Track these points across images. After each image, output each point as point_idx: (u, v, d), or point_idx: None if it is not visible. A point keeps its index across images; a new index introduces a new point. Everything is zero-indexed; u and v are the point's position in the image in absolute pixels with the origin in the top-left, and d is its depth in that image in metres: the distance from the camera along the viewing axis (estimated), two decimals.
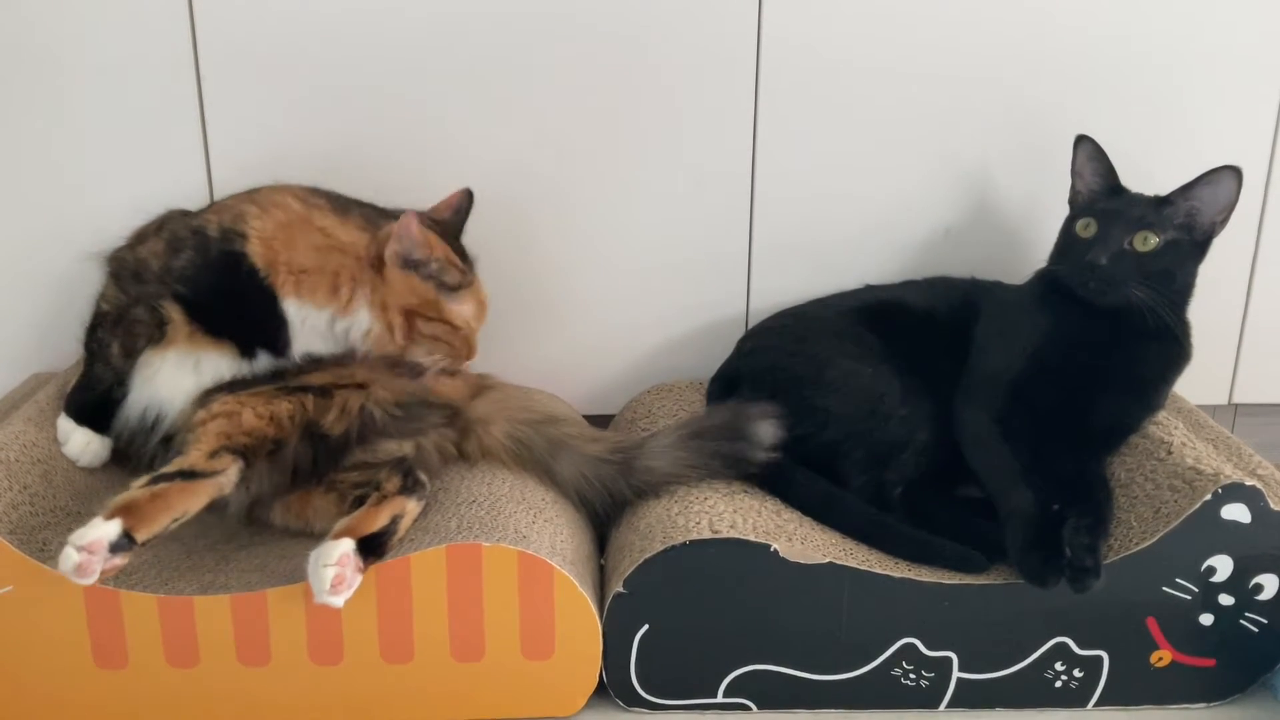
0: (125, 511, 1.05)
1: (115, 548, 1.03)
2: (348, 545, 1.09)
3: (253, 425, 1.18)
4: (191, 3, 1.40)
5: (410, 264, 1.26)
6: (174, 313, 1.24)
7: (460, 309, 1.31)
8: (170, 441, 1.26)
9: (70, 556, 1.01)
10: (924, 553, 1.21)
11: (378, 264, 1.27)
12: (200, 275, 1.24)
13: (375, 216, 1.31)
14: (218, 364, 1.26)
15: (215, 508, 1.15)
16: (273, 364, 1.27)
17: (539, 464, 1.30)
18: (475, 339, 1.35)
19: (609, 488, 1.28)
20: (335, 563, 1.08)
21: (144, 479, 1.10)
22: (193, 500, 1.10)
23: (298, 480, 1.22)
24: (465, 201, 1.37)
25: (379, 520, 1.15)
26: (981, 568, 1.19)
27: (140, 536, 1.05)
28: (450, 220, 1.36)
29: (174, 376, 1.25)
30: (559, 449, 1.29)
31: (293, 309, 1.26)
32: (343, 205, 1.31)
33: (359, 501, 1.18)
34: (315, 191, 1.32)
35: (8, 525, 1.12)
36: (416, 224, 1.24)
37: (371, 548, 1.12)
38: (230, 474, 1.13)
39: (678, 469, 1.27)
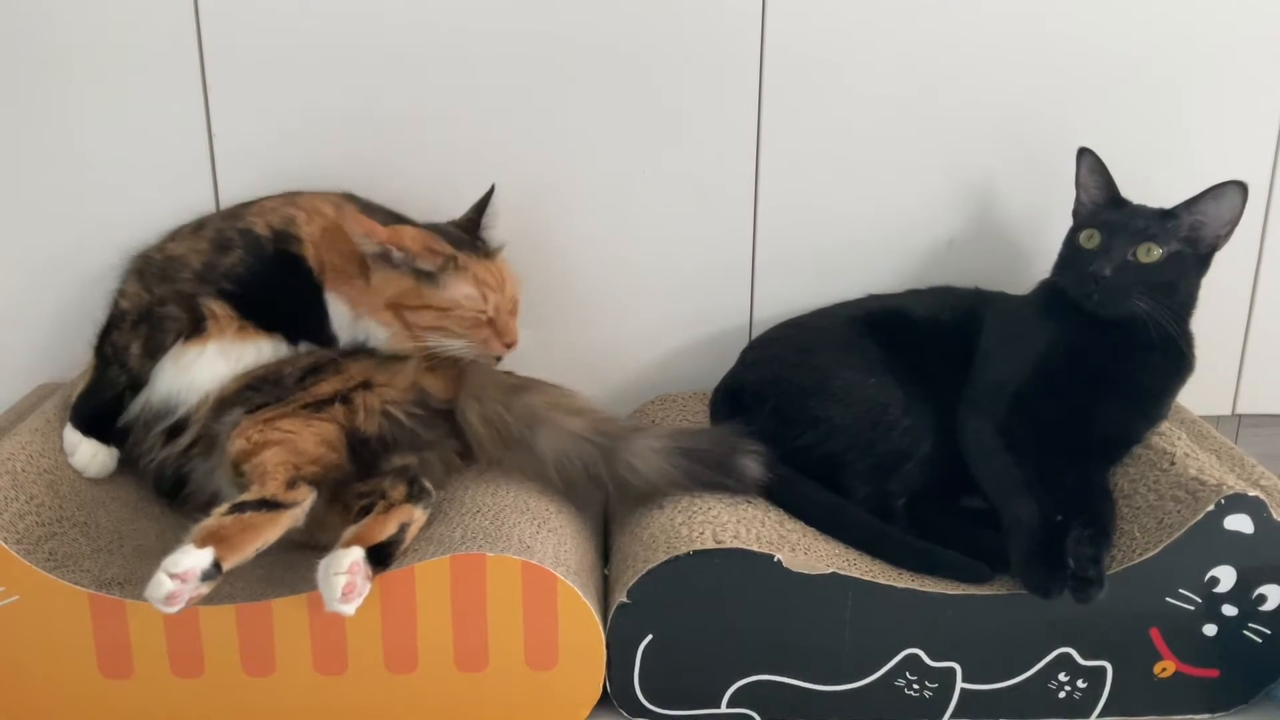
0: (214, 539, 1.06)
1: (205, 576, 1.04)
2: (358, 553, 1.10)
3: (317, 453, 1.19)
4: (198, 12, 1.40)
5: (376, 258, 1.28)
6: (220, 309, 1.27)
7: (446, 293, 1.30)
8: (175, 434, 1.27)
9: (164, 584, 1.02)
10: (928, 563, 1.21)
11: (360, 260, 1.30)
12: (254, 274, 1.29)
13: (389, 224, 1.33)
14: (260, 352, 1.29)
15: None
16: (290, 353, 1.32)
17: (519, 443, 1.28)
18: (501, 320, 1.34)
19: (589, 470, 1.25)
20: (346, 571, 1.08)
21: (225, 507, 1.10)
22: (274, 530, 1.11)
23: (337, 495, 1.23)
24: (484, 198, 1.39)
25: (387, 529, 1.15)
26: (985, 578, 1.20)
27: (227, 565, 1.06)
28: (472, 216, 1.39)
29: (213, 365, 1.28)
30: (536, 425, 1.27)
31: (332, 302, 1.31)
32: (367, 213, 1.32)
33: (364, 511, 1.18)
34: (349, 198, 1.37)
35: (14, 535, 1.13)
36: (355, 218, 1.27)
37: (380, 556, 1.12)
38: (306, 504, 1.14)
39: (661, 482, 1.26)
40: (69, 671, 1.14)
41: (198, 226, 1.35)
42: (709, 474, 1.26)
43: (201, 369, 1.28)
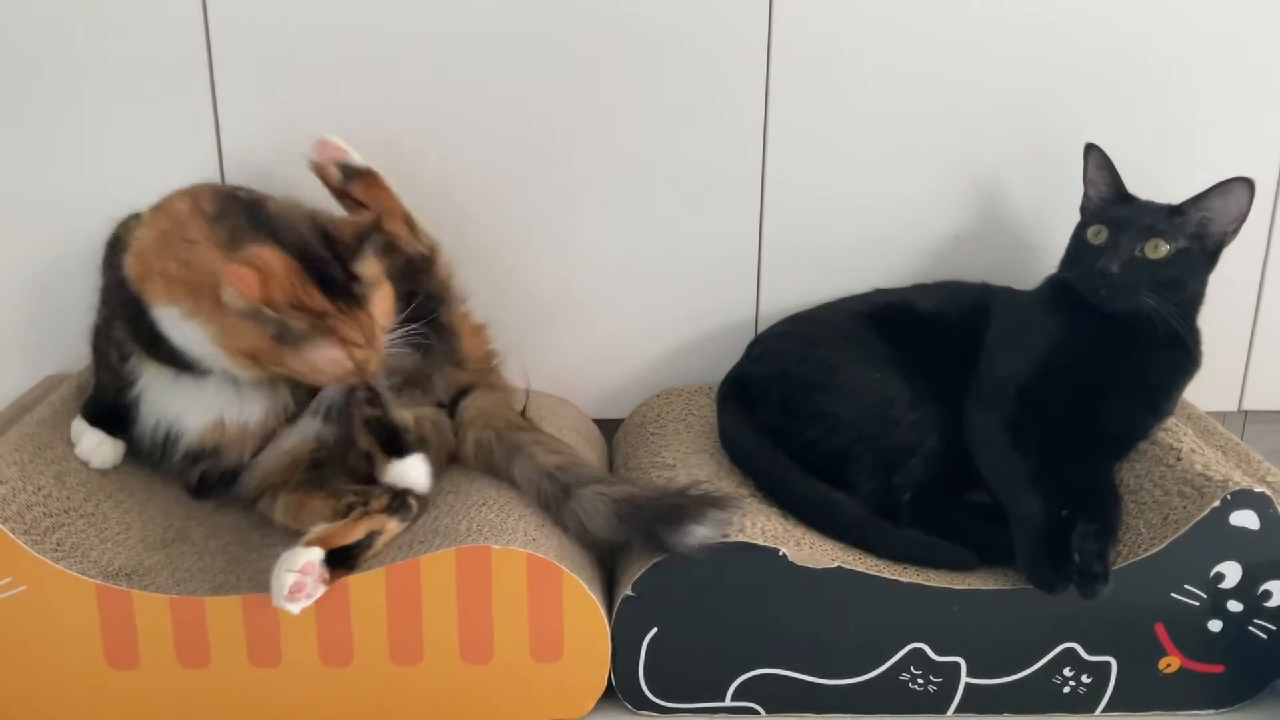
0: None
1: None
2: (315, 555, 1.10)
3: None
4: (206, 7, 1.41)
5: (245, 312, 1.09)
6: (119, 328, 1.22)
7: (307, 357, 1.11)
8: (198, 462, 1.27)
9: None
10: (920, 553, 1.21)
11: (216, 291, 1.09)
12: (108, 291, 1.19)
13: (248, 231, 1.12)
14: (190, 382, 1.21)
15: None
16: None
17: (498, 468, 1.30)
18: (368, 371, 1.15)
19: (547, 503, 1.24)
20: (299, 570, 1.08)
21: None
22: None
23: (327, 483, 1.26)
24: (369, 229, 1.16)
25: (353, 534, 1.15)
26: (972, 566, 1.20)
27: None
28: (349, 244, 1.14)
29: (167, 390, 1.23)
30: (516, 455, 1.28)
31: (166, 322, 1.13)
32: (225, 212, 1.13)
33: (349, 509, 1.19)
34: (221, 195, 1.17)
35: (22, 526, 1.13)
36: (249, 278, 1.05)
37: (342, 560, 1.12)
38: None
39: (602, 536, 1.21)
40: (76, 662, 1.14)
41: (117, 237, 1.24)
42: (648, 540, 1.17)
43: (157, 394, 1.24)
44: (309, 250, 1.12)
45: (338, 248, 1.13)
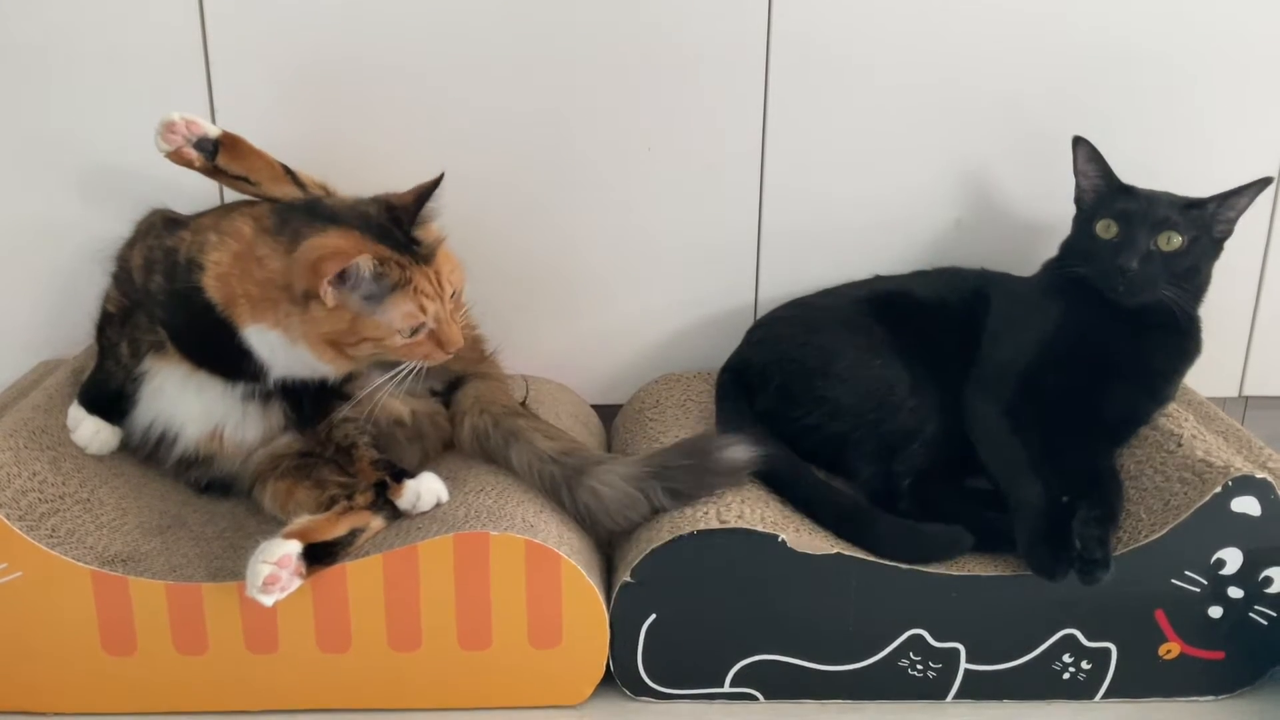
0: None
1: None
2: (293, 548, 1.09)
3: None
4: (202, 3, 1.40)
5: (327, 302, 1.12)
6: (162, 332, 1.22)
7: (385, 317, 1.14)
8: (191, 468, 1.28)
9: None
10: (912, 547, 1.19)
11: (291, 290, 1.13)
12: (169, 301, 1.19)
13: (307, 226, 1.16)
14: (211, 388, 1.23)
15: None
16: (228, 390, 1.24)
17: (495, 454, 1.29)
18: (442, 329, 1.18)
19: (550, 489, 1.24)
20: (275, 562, 1.08)
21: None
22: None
23: (312, 473, 1.26)
24: (428, 186, 1.19)
25: (336, 530, 1.14)
26: (965, 545, 1.18)
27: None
28: (409, 206, 1.18)
29: (179, 395, 1.24)
30: (513, 440, 1.28)
31: (255, 338, 1.16)
32: (283, 223, 1.17)
33: (332, 502, 1.18)
34: (275, 211, 1.20)
35: (17, 511, 1.13)
36: (327, 264, 1.10)
37: (320, 555, 1.12)
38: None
39: (626, 508, 1.20)
40: (72, 648, 1.14)
41: (145, 231, 1.25)
42: (691, 481, 1.20)
43: (169, 398, 1.25)
44: (370, 221, 1.16)
45: (398, 213, 1.17)
